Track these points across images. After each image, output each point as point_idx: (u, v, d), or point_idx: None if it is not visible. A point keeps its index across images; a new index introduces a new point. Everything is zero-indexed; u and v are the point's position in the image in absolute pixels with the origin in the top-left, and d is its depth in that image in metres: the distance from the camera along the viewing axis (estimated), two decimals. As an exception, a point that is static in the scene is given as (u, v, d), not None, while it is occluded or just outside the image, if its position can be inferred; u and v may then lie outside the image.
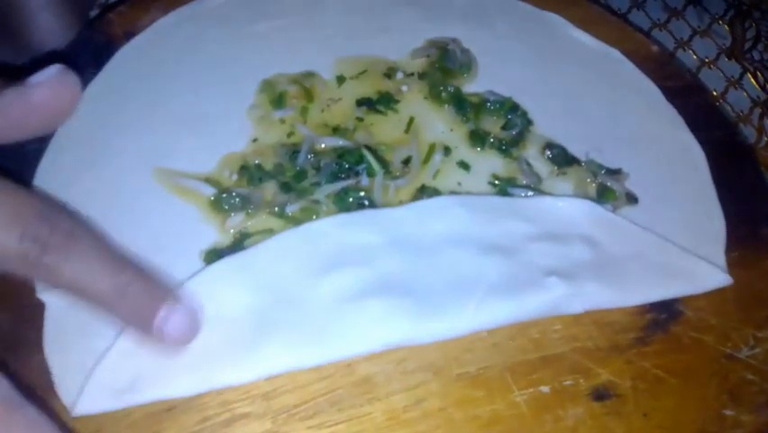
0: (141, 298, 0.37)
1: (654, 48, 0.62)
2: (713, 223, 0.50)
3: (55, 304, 0.42)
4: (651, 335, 0.45)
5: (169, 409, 0.40)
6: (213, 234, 0.46)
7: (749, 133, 0.61)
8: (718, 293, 0.47)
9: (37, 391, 0.40)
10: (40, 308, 0.42)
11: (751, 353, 0.45)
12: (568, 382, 0.43)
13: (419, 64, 0.57)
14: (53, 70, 0.38)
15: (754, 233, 0.50)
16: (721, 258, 0.48)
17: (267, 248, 0.44)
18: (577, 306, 0.44)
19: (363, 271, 0.44)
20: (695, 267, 0.47)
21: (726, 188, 0.52)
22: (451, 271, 0.44)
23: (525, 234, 0.46)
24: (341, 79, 0.55)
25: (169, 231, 0.46)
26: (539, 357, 0.44)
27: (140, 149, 0.49)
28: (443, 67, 0.56)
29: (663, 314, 0.46)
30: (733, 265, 0.48)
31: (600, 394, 0.43)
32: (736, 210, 0.51)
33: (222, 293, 0.42)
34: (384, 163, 0.50)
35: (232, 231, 0.46)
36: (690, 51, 0.66)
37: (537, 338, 0.44)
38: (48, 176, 0.47)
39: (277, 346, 0.41)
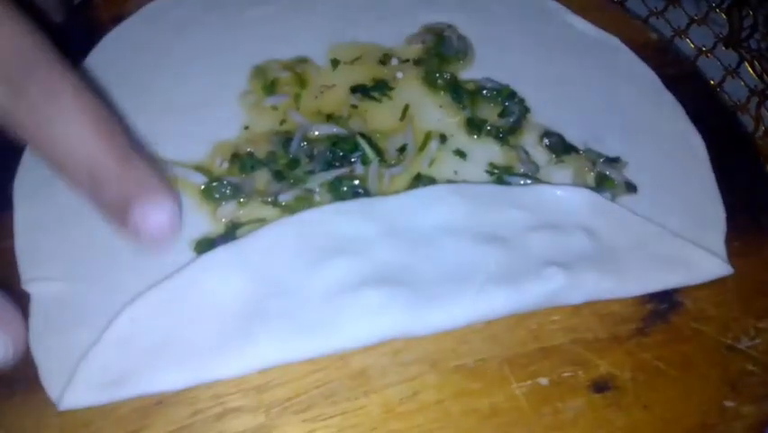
0: (123, 184, 0.32)
1: (653, 35, 0.61)
2: (713, 212, 0.50)
3: (41, 294, 0.41)
4: (651, 325, 0.44)
5: (158, 402, 0.39)
6: (203, 223, 0.45)
7: (746, 121, 0.60)
8: (719, 283, 0.46)
9: (21, 384, 0.39)
10: (25, 298, 0.41)
11: (751, 343, 0.44)
12: (567, 374, 0.42)
13: (415, 50, 0.56)
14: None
15: (754, 222, 0.50)
16: (721, 247, 0.48)
17: (259, 238, 0.43)
18: (576, 296, 0.44)
19: (358, 262, 0.43)
20: (695, 257, 0.46)
21: (726, 177, 0.52)
22: (447, 261, 0.43)
23: (523, 224, 0.45)
24: (335, 63, 0.53)
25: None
26: (537, 349, 0.43)
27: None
28: (439, 53, 0.55)
29: (664, 304, 0.45)
30: (733, 255, 0.48)
31: (600, 386, 0.42)
32: (735, 199, 0.50)
33: (214, 284, 0.41)
34: (379, 151, 0.49)
35: (223, 220, 0.45)
36: (687, 40, 0.65)
37: (536, 329, 0.43)
38: (34, 163, 0.46)
39: (270, 338, 0.40)
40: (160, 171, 0.34)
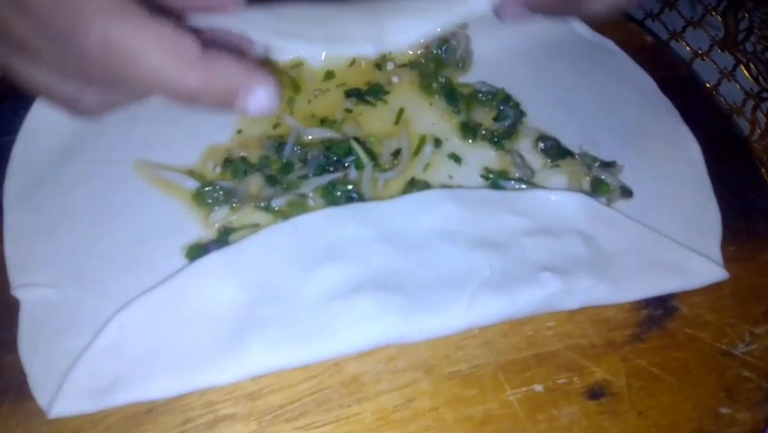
0: (216, 90, 0.32)
1: (648, 38, 0.61)
2: (709, 216, 0.49)
3: (31, 301, 0.41)
4: (646, 331, 0.44)
5: (149, 410, 0.38)
6: (195, 228, 0.44)
7: (742, 125, 0.60)
8: (714, 288, 0.46)
9: (10, 392, 0.38)
10: (14, 305, 0.40)
11: (747, 349, 0.44)
12: (562, 381, 0.42)
13: (411, 55, 0.55)
14: None
15: (749, 227, 0.50)
16: (717, 252, 0.48)
17: (253, 243, 0.42)
18: (571, 302, 0.43)
19: (352, 267, 0.42)
20: (691, 262, 0.46)
21: (722, 182, 0.51)
22: (442, 266, 0.43)
23: (518, 229, 0.45)
24: (329, 75, 0.53)
25: (149, 225, 0.44)
26: (532, 355, 0.43)
27: (119, 140, 0.47)
28: (439, 59, 0.54)
29: (659, 310, 0.45)
30: (729, 260, 0.47)
31: (595, 393, 0.42)
32: (731, 204, 0.50)
33: (206, 290, 0.41)
34: (373, 155, 0.48)
35: (216, 226, 0.45)
36: (683, 43, 0.65)
37: (531, 335, 0.43)
38: (23, 168, 0.45)
39: (263, 345, 0.39)
40: (243, 52, 0.36)
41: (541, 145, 0.51)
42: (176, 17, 0.38)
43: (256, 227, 0.44)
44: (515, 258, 0.44)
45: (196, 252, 0.43)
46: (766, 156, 0.57)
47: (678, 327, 0.45)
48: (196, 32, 0.33)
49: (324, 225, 0.44)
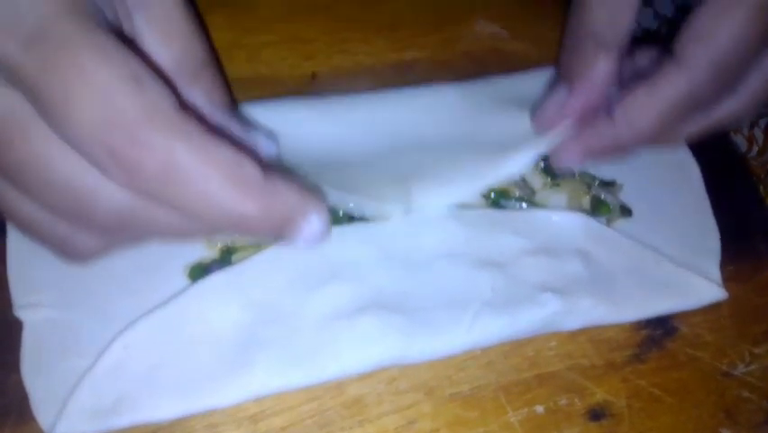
0: (272, 219, 0.30)
1: (647, 57, 0.61)
2: (708, 235, 0.50)
3: (33, 321, 0.41)
4: (646, 352, 0.44)
5: (153, 432, 0.38)
6: (198, 249, 0.44)
7: (739, 142, 0.60)
8: (714, 308, 0.46)
9: (12, 413, 0.38)
10: (16, 326, 0.40)
11: (747, 369, 0.45)
12: (563, 402, 0.42)
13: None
14: None
15: (748, 246, 0.50)
16: (716, 272, 0.48)
17: (255, 263, 0.42)
18: (572, 322, 0.44)
19: (355, 287, 0.42)
20: (690, 281, 0.46)
21: (719, 200, 0.52)
22: (444, 286, 0.43)
23: (519, 249, 0.45)
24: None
25: (152, 246, 0.44)
26: (534, 376, 0.43)
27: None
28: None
29: (659, 330, 0.45)
30: (728, 279, 0.47)
31: (596, 414, 0.42)
32: (729, 223, 0.50)
33: (209, 311, 0.41)
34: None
35: (218, 246, 0.45)
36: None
37: (532, 356, 0.43)
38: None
39: (265, 366, 0.40)
40: (297, 179, 0.33)
41: (541, 164, 0.51)
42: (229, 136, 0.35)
43: (258, 247, 0.44)
44: (516, 278, 0.44)
45: (199, 272, 0.43)
46: (764, 173, 0.58)
47: (678, 347, 0.45)
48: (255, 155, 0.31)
49: (326, 244, 0.44)
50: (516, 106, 0.48)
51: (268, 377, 0.40)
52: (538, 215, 0.47)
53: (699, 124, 0.44)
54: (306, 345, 0.40)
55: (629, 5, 0.41)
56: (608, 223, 0.49)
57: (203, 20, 0.37)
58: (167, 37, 0.33)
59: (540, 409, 0.42)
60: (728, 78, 0.40)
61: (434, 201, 0.44)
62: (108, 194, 0.29)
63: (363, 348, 0.41)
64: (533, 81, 0.51)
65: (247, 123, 0.39)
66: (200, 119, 0.29)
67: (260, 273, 0.42)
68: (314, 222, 0.32)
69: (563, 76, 0.45)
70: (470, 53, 0.54)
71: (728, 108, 0.43)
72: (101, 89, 0.26)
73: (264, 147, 0.38)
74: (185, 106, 0.29)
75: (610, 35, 0.42)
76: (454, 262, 0.44)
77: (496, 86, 0.51)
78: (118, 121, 0.26)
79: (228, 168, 0.28)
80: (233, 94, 0.46)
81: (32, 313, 0.41)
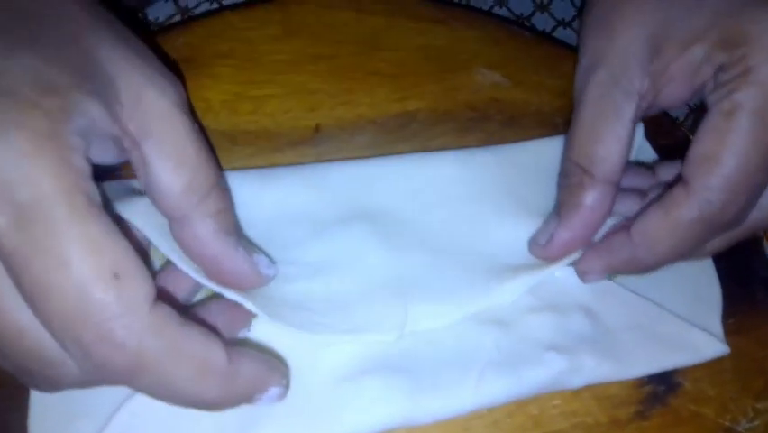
0: (235, 396, 0.32)
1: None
2: (709, 289, 0.50)
3: (40, 384, 0.41)
4: (650, 408, 0.45)
5: (159, 499, 0.39)
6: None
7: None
8: (716, 363, 0.46)
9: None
10: (24, 388, 0.40)
11: (750, 426, 0.45)
12: (568, 462, 0.42)
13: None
14: None
15: (750, 298, 0.50)
16: (718, 325, 0.48)
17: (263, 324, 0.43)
18: (577, 381, 0.44)
19: (360, 348, 0.42)
20: (693, 337, 0.46)
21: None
22: (449, 346, 0.43)
23: (524, 306, 0.45)
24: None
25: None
26: (539, 435, 0.43)
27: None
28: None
29: (662, 386, 0.46)
30: (729, 333, 0.48)
31: (601, 473, 0.42)
32: (730, 274, 0.51)
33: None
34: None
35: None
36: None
37: (536, 415, 0.44)
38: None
39: (271, 430, 0.40)
40: (259, 352, 0.35)
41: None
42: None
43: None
44: (521, 337, 0.44)
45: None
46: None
47: (681, 403, 0.45)
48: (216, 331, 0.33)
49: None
50: (521, 182, 0.49)
51: (275, 442, 0.40)
52: (542, 271, 0.47)
53: (725, 239, 0.43)
54: (310, 409, 0.41)
55: (618, 140, 0.41)
56: (610, 277, 0.49)
57: (211, 144, 0.37)
58: (177, 166, 0.33)
59: (546, 469, 0.42)
60: (742, 198, 0.38)
61: (429, 324, 0.43)
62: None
63: (369, 411, 0.41)
64: (538, 149, 0.52)
65: (249, 244, 0.40)
66: (174, 303, 0.31)
67: (262, 337, 0.42)
68: (272, 393, 0.34)
69: (557, 203, 0.45)
70: (471, 103, 0.54)
71: (754, 220, 0.42)
72: (79, 284, 0.26)
73: (264, 270, 0.39)
74: (162, 293, 0.30)
75: (599, 170, 0.41)
76: (460, 319, 0.44)
77: (500, 155, 0.51)
78: (91, 317, 0.27)
79: (196, 359, 0.29)
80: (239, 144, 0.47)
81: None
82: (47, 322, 0.27)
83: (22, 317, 0.28)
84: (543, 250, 0.45)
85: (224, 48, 0.52)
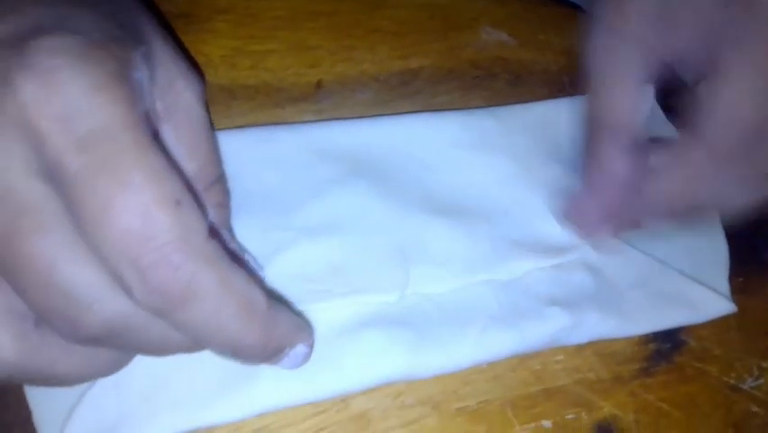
0: (267, 349, 0.31)
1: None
2: (716, 247, 0.49)
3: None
4: (654, 365, 0.44)
5: (155, 449, 0.38)
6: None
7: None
8: (722, 321, 0.46)
9: (15, 429, 0.38)
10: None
11: (755, 384, 0.44)
12: (570, 417, 0.42)
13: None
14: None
15: (757, 258, 0.50)
16: (725, 284, 0.47)
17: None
18: (579, 336, 0.43)
19: (361, 305, 0.42)
20: (699, 295, 0.46)
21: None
22: (450, 300, 0.43)
23: (526, 261, 0.45)
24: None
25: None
26: (541, 390, 0.42)
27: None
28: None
29: (667, 344, 0.45)
30: (736, 292, 0.47)
31: (603, 429, 0.42)
32: (738, 234, 0.50)
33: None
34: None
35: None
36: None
37: (539, 370, 0.43)
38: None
39: (269, 381, 0.39)
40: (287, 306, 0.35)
41: (548, 175, 0.50)
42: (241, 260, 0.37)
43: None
44: (522, 292, 0.43)
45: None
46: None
47: (686, 360, 0.45)
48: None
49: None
50: (525, 146, 0.48)
51: (271, 392, 0.39)
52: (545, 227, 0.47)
53: (746, 192, 0.41)
54: (311, 360, 0.40)
55: (627, 93, 0.41)
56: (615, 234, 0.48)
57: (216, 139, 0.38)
58: (190, 153, 0.34)
59: (547, 423, 0.41)
60: (748, 134, 0.38)
61: (430, 289, 0.42)
62: (106, 305, 0.28)
63: (369, 364, 0.40)
64: (546, 111, 0.51)
65: (239, 244, 0.40)
66: (223, 245, 0.30)
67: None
68: (299, 350, 0.33)
69: (584, 169, 0.44)
70: (476, 61, 0.53)
71: None
72: (143, 207, 0.26)
73: (252, 271, 0.39)
74: (213, 232, 0.29)
75: (621, 125, 0.41)
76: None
77: (505, 118, 0.50)
78: (152, 240, 0.26)
79: (242, 297, 0.29)
80: (238, 99, 0.46)
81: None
82: (103, 246, 0.26)
83: (62, 251, 0.27)
84: (583, 227, 0.45)
85: (223, 3, 0.52)
